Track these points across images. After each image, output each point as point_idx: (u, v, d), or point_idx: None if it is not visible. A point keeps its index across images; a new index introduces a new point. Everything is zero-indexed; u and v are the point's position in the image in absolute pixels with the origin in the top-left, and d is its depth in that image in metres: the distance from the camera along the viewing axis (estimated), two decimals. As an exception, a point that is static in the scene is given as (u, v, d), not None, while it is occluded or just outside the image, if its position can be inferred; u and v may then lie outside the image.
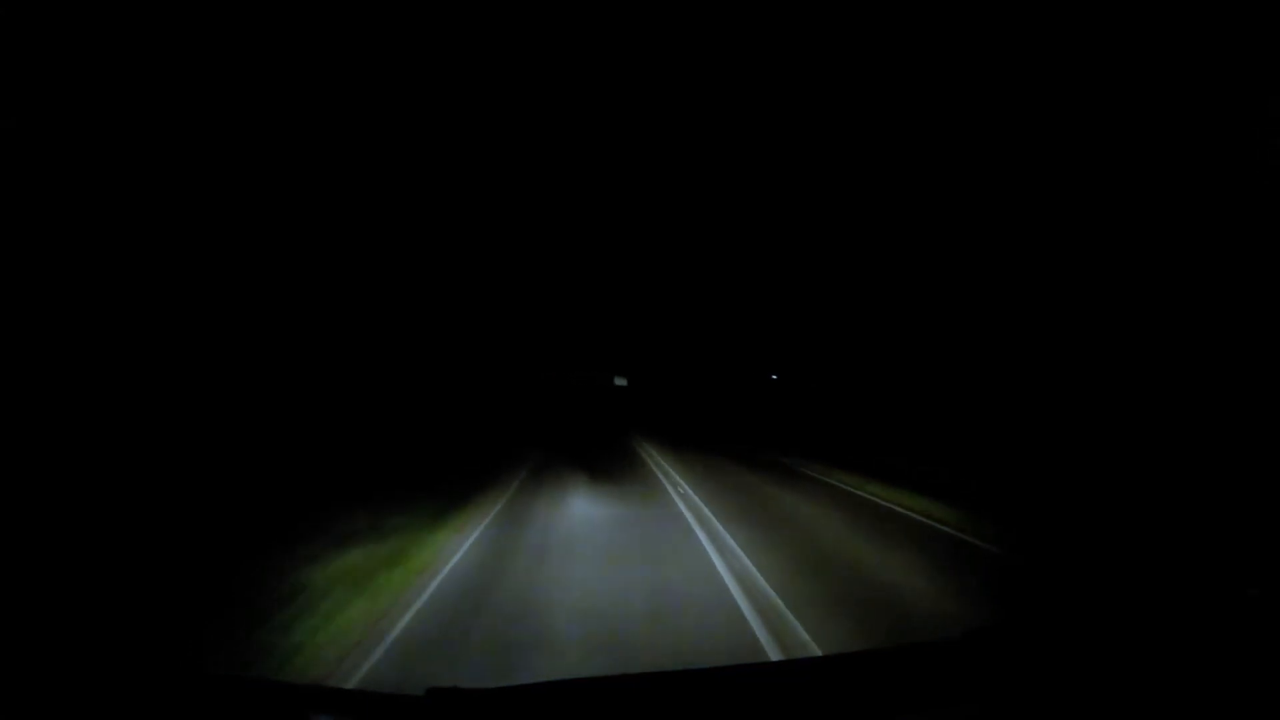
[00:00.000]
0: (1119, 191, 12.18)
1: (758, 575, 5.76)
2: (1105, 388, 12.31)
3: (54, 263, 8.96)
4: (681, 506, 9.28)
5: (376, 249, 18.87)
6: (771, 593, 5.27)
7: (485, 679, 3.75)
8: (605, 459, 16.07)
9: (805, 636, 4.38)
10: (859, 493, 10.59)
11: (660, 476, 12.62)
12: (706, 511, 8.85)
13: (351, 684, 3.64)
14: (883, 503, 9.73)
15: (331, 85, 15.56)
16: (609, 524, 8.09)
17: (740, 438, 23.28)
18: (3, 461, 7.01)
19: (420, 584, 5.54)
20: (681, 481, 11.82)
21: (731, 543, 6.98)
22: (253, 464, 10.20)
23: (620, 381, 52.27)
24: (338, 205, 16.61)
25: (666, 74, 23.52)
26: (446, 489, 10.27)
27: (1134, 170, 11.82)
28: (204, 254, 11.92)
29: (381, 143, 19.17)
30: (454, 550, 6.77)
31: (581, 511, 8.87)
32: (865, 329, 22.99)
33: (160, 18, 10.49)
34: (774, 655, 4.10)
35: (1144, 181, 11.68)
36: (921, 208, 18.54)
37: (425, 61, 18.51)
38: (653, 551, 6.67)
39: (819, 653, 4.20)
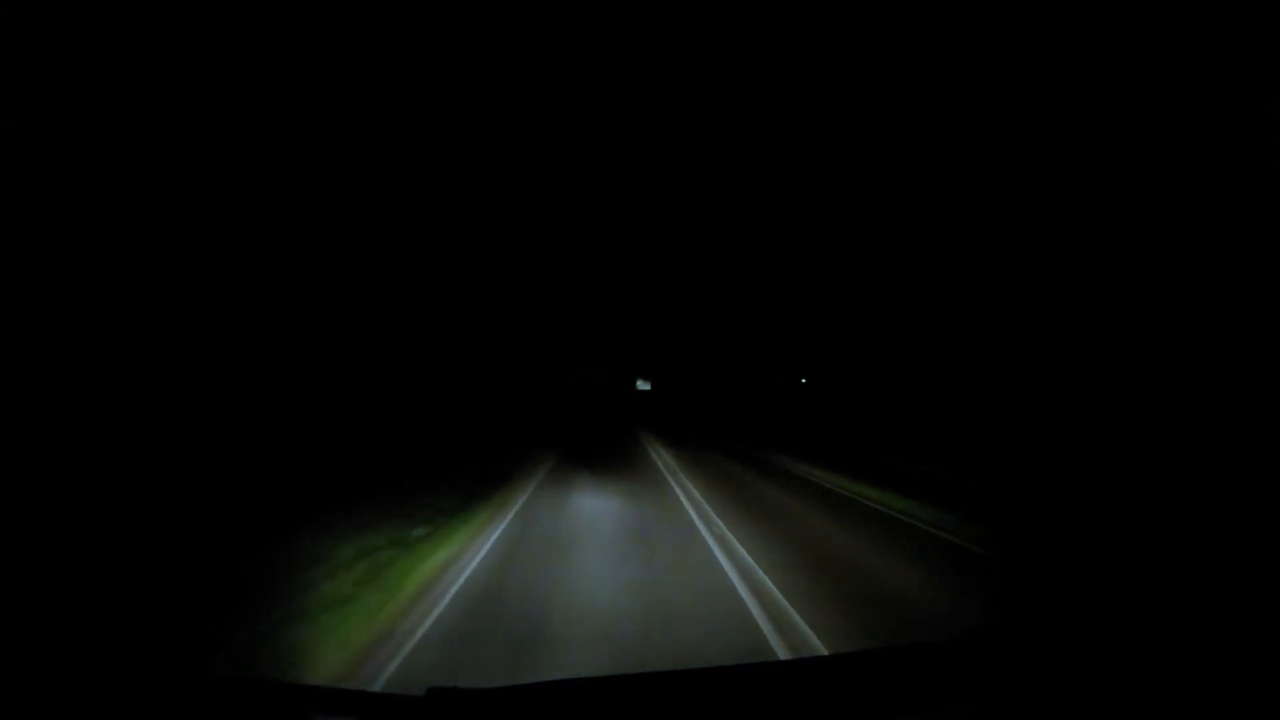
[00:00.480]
0: (1119, 193, 12.18)
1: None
2: (1107, 389, 12.32)
3: (57, 263, 8.96)
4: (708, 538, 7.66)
5: (395, 253, 18.82)
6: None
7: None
8: (617, 465, 14.90)
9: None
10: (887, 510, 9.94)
11: (683, 500, 10.42)
12: (728, 533, 8.08)
13: None
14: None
15: (344, 82, 15.57)
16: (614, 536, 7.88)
17: (771, 444, 21.38)
18: (10, 460, 7.01)
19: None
20: (710, 511, 9.59)
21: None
22: (252, 464, 10.19)
23: (643, 385, 48.88)
24: (353, 207, 16.62)
25: (698, 78, 23.27)
26: (448, 488, 10.23)
27: (1134, 172, 11.83)
28: (221, 257, 11.95)
29: (400, 143, 19.17)
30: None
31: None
32: (885, 332, 22.81)
33: (160, 17, 10.48)
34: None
35: (1144, 183, 11.69)
36: (947, 211, 18.53)
37: (436, 57, 18.48)
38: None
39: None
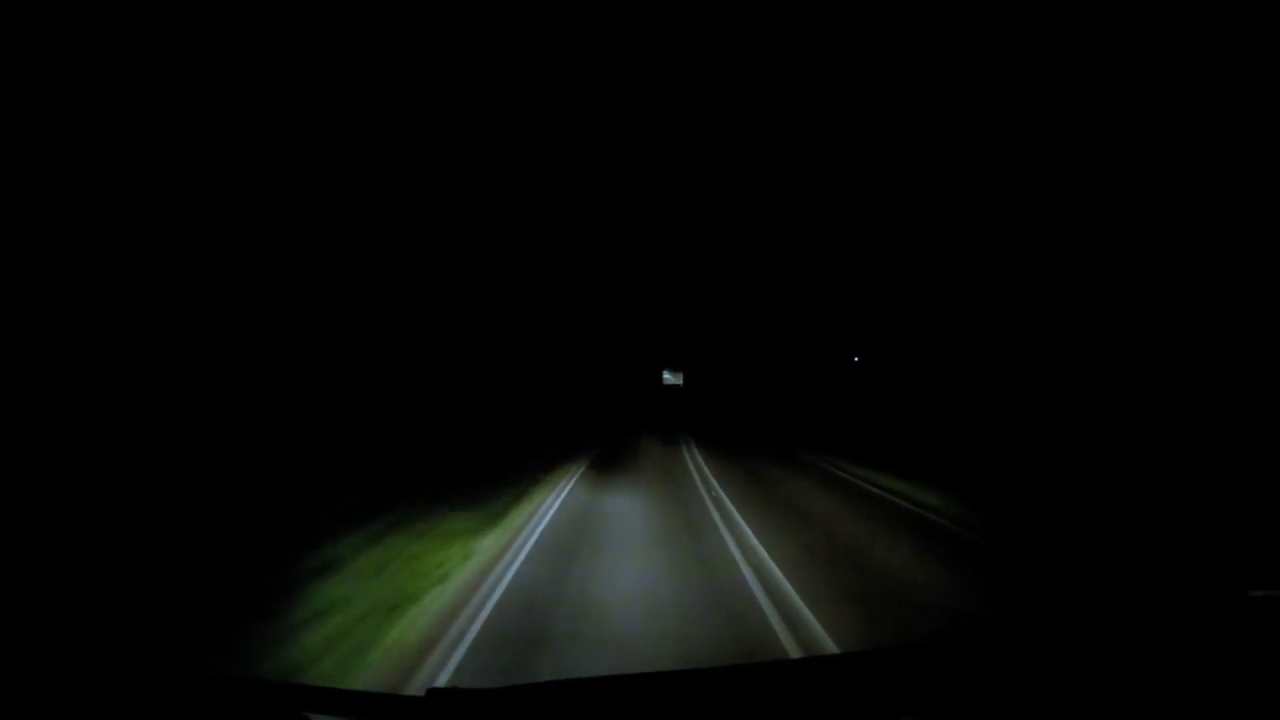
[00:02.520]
0: (1123, 188, 12.16)
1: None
2: (1109, 387, 12.32)
3: (59, 263, 8.96)
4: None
5: (392, 252, 18.61)
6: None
7: None
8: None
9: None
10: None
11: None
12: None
13: None
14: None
15: (346, 82, 15.54)
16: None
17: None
18: (11, 460, 7.01)
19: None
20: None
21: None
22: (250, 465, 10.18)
23: (672, 379, 39.06)
24: (353, 206, 16.58)
25: (713, 70, 22.19)
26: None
27: (1150, 170, 11.81)
28: (225, 260, 11.96)
29: (418, 140, 19.01)
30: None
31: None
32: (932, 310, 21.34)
33: (160, 17, 10.48)
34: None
35: (1156, 181, 11.69)
36: (959, 207, 18.26)
37: (437, 53, 18.34)
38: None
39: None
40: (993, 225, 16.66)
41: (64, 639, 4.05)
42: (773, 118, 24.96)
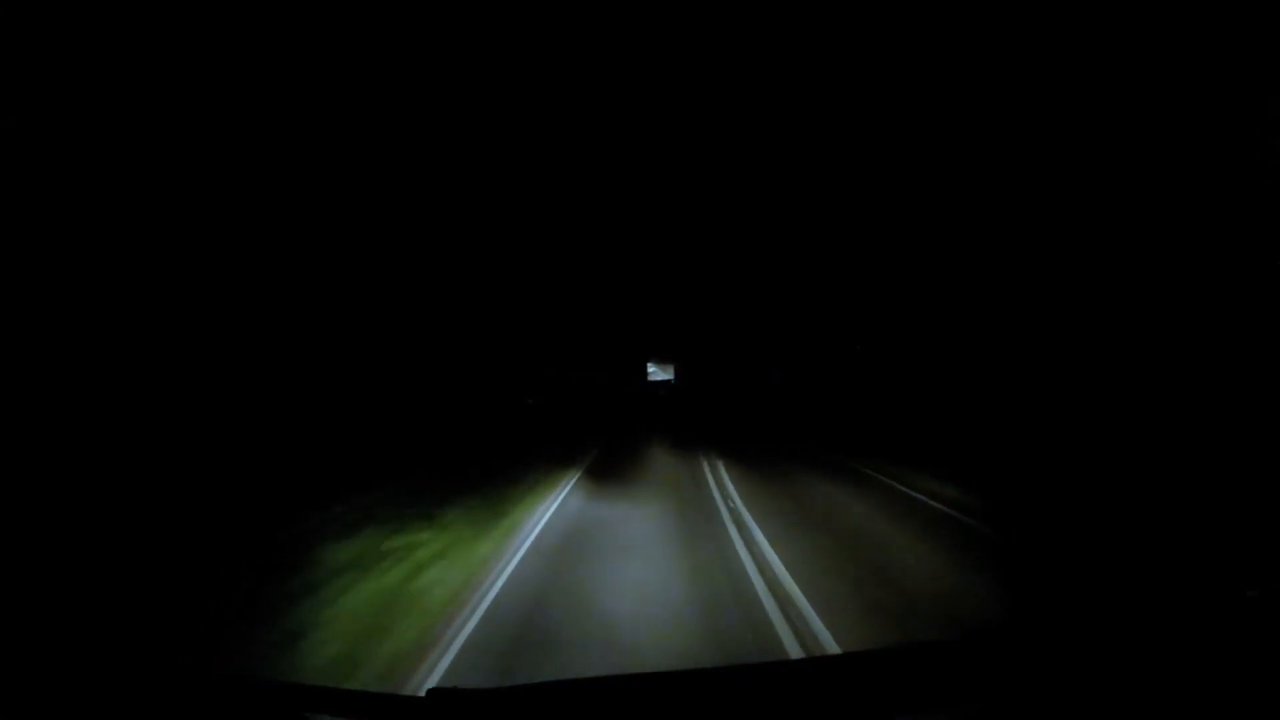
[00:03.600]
0: (1142, 188, 12.07)
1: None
2: (1108, 386, 12.31)
3: (59, 263, 8.96)
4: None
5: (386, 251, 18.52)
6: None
7: None
8: None
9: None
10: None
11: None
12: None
13: None
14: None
15: (344, 81, 15.54)
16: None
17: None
18: (13, 459, 7.01)
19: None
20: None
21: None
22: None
23: (659, 373, 33.42)
24: (347, 204, 16.57)
25: (708, 61, 21.58)
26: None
27: (1152, 167, 11.77)
28: (225, 261, 11.98)
29: (418, 143, 18.96)
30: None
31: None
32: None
33: (161, 16, 10.48)
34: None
35: (1158, 179, 11.68)
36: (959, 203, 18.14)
37: (434, 52, 18.27)
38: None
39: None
40: (993, 217, 16.63)
41: (66, 639, 4.05)
42: (770, 106, 24.38)
